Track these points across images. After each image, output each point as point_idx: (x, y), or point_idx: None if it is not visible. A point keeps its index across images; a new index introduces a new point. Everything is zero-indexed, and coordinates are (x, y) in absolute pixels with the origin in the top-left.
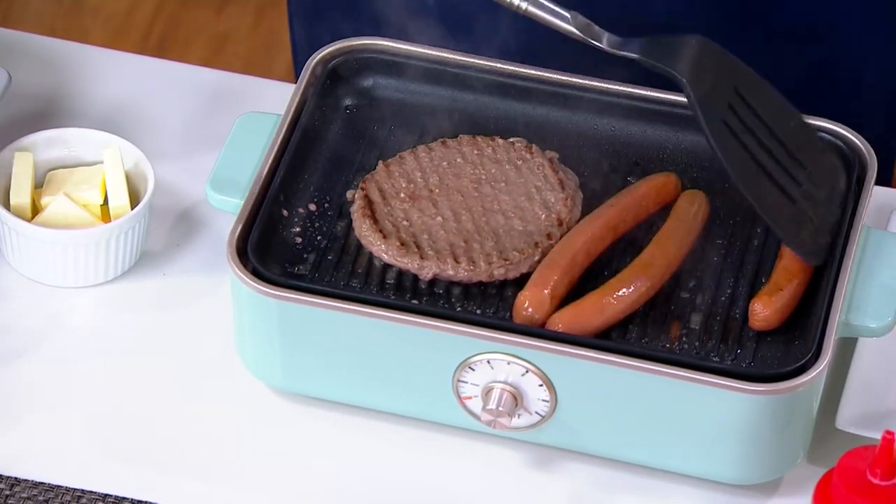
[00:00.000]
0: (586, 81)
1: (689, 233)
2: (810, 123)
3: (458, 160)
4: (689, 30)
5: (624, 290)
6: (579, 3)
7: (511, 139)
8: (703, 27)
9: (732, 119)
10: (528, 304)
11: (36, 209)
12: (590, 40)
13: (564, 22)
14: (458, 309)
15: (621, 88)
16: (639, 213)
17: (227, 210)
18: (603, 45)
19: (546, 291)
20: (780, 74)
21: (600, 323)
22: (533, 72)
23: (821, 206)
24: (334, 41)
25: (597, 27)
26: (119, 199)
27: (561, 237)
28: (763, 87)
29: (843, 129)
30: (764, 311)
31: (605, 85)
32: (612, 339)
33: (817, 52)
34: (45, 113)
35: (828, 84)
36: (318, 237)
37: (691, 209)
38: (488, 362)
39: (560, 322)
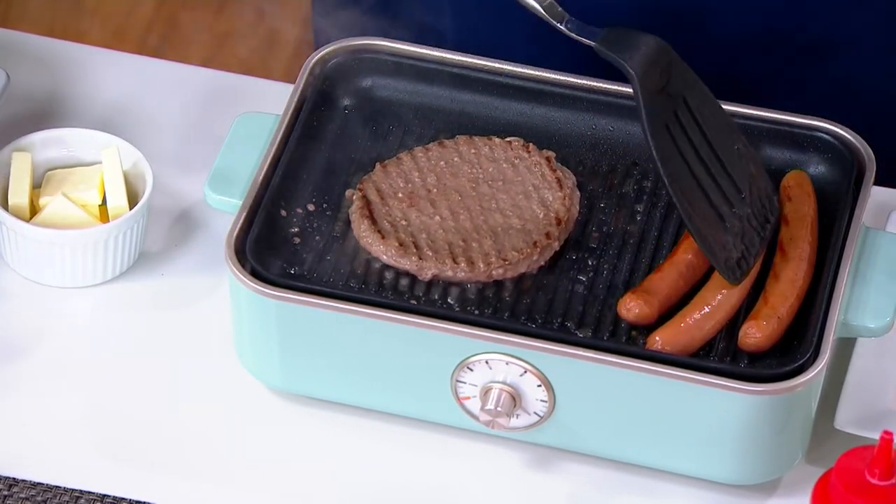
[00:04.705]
0: (586, 81)
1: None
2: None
3: (456, 160)
4: (708, 45)
5: (715, 302)
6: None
7: (508, 138)
8: (724, 42)
9: (675, 127)
10: (634, 305)
11: (34, 209)
12: (550, 20)
13: None
14: (457, 309)
15: (621, 88)
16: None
17: (225, 210)
18: (562, 27)
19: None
20: (801, 88)
21: (700, 338)
22: (532, 72)
23: (748, 233)
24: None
25: (560, 8)
26: (117, 200)
27: (559, 236)
28: (711, 104)
29: (842, 128)
30: (756, 335)
31: (605, 85)
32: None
33: (837, 66)
34: (44, 113)
35: (848, 98)
36: (317, 237)
37: None
38: (486, 362)
39: (660, 339)
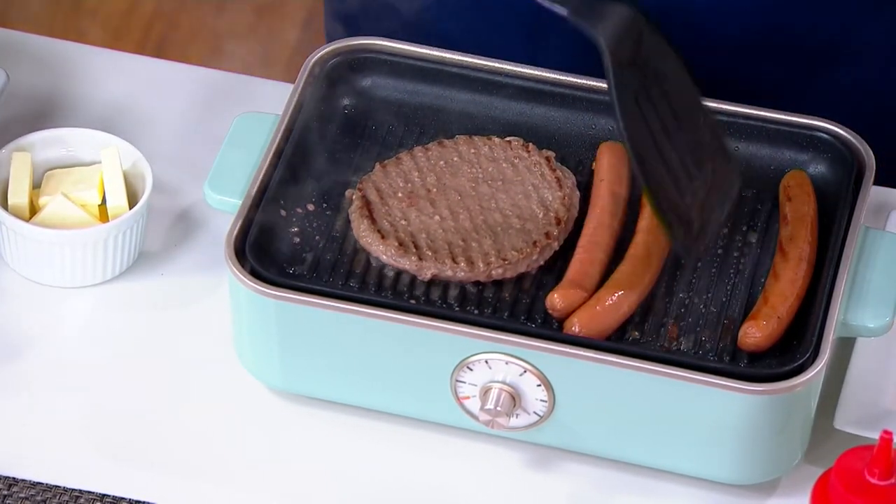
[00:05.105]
0: (586, 81)
1: None
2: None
3: (455, 159)
4: (718, 49)
5: (629, 284)
6: None
7: (508, 138)
8: (730, 45)
9: (644, 98)
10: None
11: (34, 209)
12: None
13: None
14: (456, 309)
15: None
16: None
17: (225, 210)
18: None
19: (579, 291)
20: (803, 91)
21: (617, 320)
22: (532, 72)
23: (707, 210)
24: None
25: None
26: (117, 199)
27: (559, 236)
28: (683, 78)
29: (840, 128)
30: (756, 335)
31: (605, 85)
32: (610, 339)
33: (839, 70)
34: (44, 113)
35: (848, 98)
36: (316, 237)
37: None
38: (486, 362)
39: (577, 322)
